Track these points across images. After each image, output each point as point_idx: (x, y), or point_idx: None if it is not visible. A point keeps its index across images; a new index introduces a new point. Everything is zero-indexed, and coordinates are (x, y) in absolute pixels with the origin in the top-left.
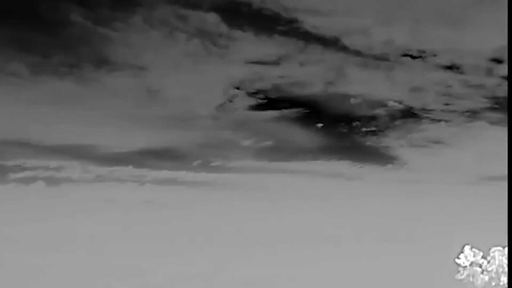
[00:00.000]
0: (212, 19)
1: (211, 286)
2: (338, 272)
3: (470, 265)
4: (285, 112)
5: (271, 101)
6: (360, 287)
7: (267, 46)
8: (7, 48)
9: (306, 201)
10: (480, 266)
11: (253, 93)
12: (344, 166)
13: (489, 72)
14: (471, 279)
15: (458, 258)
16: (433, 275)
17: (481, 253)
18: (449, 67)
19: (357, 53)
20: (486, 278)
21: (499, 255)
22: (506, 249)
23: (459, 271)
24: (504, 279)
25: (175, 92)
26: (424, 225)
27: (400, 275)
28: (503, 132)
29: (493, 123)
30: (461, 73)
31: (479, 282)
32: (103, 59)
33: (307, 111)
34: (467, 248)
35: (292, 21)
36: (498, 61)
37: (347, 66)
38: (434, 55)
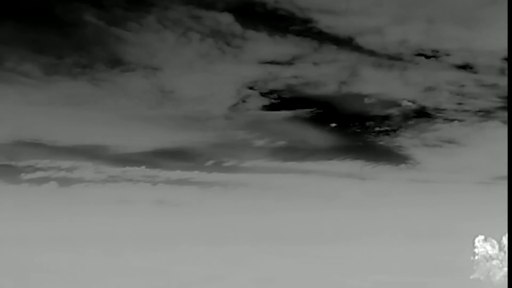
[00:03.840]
0: (226, 19)
1: (224, 286)
2: (351, 271)
3: (487, 260)
4: (299, 112)
5: (284, 101)
6: (374, 286)
7: (281, 46)
8: (20, 49)
9: (320, 201)
10: (497, 258)
11: (266, 93)
12: (357, 166)
13: (502, 72)
14: (488, 275)
15: (475, 254)
16: (449, 274)
17: (496, 244)
18: (463, 67)
19: (371, 52)
20: (505, 269)
21: None
22: None
23: (474, 270)
24: None
25: (189, 92)
26: (437, 224)
27: (415, 274)
28: None
29: (506, 122)
30: (475, 72)
31: (497, 277)
32: (116, 59)
33: (321, 111)
34: (480, 239)
35: (306, 21)
36: None
37: (361, 65)
38: (448, 55)
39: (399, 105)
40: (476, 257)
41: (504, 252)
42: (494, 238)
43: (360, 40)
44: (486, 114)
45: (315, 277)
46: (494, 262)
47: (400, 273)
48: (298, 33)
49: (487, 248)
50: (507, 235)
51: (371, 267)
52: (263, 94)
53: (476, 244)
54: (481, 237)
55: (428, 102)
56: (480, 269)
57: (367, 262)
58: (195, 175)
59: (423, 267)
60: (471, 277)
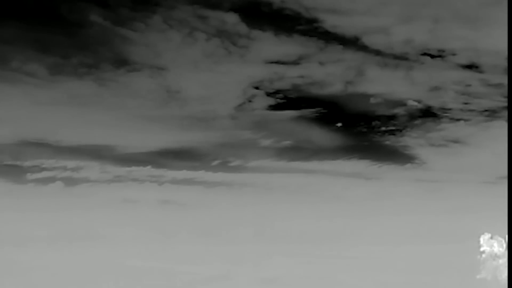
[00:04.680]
0: (232, 19)
1: (228, 286)
2: (356, 272)
3: (493, 258)
4: (305, 111)
5: (290, 100)
6: (379, 286)
7: (287, 46)
8: (25, 49)
9: (325, 201)
10: (504, 257)
11: (272, 93)
12: (363, 166)
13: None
14: (495, 274)
15: (481, 253)
16: (455, 274)
17: (504, 243)
18: (469, 66)
19: (377, 52)
20: None
21: None
22: None
23: (481, 270)
24: None
25: (194, 92)
26: (443, 224)
27: (420, 273)
28: None
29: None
30: (480, 72)
31: (504, 276)
32: (122, 59)
33: (326, 110)
34: (485, 238)
35: (312, 20)
36: None
37: (366, 65)
38: (454, 54)
39: (405, 105)
40: (483, 256)
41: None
42: (501, 237)
43: (366, 40)
44: (491, 113)
45: (319, 277)
46: (501, 260)
47: (405, 273)
48: (304, 33)
49: (494, 246)
50: (507, 235)
51: (376, 267)
52: (268, 94)
53: (482, 242)
54: (487, 236)
55: (434, 102)
56: (487, 268)
57: (372, 262)
58: (200, 175)
59: (428, 267)
60: (478, 276)
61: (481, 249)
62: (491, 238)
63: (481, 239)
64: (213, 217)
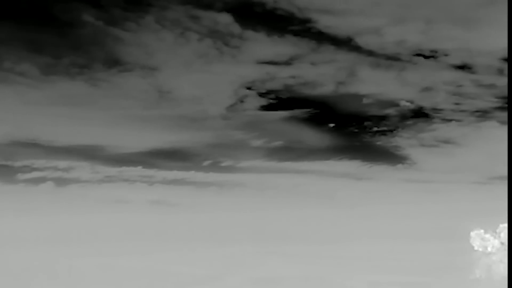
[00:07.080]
0: (225, 19)
1: (220, 286)
2: (348, 271)
3: (486, 256)
4: (296, 112)
5: (282, 101)
6: (371, 286)
7: (279, 46)
8: (18, 49)
9: (316, 201)
10: (497, 254)
11: (264, 93)
12: (354, 166)
13: (500, 72)
14: (488, 271)
15: (474, 250)
16: (448, 273)
17: (500, 244)
18: (461, 67)
19: (370, 53)
20: (503, 264)
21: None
22: None
23: (474, 267)
24: None
25: (186, 93)
26: (434, 224)
27: (413, 273)
28: None
29: (503, 122)
30: (473, 72)
31: (497, 273)
32: (114, 59)
33: (318, 111)
34: (476, 234)
35: (305, 21)
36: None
37: (359, 66)
38: (446, 55)
39: (397, 105)
40: (476, 252)
41: (502, 244)
42: (493, 236)
43: (359, 40)
44: (483, 114)
45: (311, 277)
46: (494, 257)
47: (398, 273)
48: (297, 33)
49: (487, 244)
50: (506, 233)
51: (368, 266)
52: (260, 94)
53: (474, 241)
54: (480, 234)
55: (426, 102)
56: (480, 266)
57: (364, 262)
58: (191, 175)
59: (421, 267)
60: (471, 275)
61: (475, 247)
62: (484, 235)
63: (474, 238)
64: (205, 217)
